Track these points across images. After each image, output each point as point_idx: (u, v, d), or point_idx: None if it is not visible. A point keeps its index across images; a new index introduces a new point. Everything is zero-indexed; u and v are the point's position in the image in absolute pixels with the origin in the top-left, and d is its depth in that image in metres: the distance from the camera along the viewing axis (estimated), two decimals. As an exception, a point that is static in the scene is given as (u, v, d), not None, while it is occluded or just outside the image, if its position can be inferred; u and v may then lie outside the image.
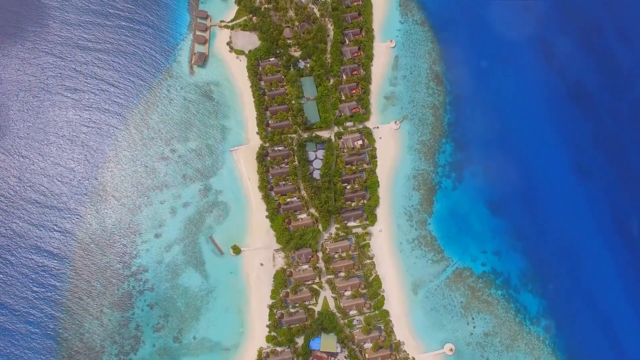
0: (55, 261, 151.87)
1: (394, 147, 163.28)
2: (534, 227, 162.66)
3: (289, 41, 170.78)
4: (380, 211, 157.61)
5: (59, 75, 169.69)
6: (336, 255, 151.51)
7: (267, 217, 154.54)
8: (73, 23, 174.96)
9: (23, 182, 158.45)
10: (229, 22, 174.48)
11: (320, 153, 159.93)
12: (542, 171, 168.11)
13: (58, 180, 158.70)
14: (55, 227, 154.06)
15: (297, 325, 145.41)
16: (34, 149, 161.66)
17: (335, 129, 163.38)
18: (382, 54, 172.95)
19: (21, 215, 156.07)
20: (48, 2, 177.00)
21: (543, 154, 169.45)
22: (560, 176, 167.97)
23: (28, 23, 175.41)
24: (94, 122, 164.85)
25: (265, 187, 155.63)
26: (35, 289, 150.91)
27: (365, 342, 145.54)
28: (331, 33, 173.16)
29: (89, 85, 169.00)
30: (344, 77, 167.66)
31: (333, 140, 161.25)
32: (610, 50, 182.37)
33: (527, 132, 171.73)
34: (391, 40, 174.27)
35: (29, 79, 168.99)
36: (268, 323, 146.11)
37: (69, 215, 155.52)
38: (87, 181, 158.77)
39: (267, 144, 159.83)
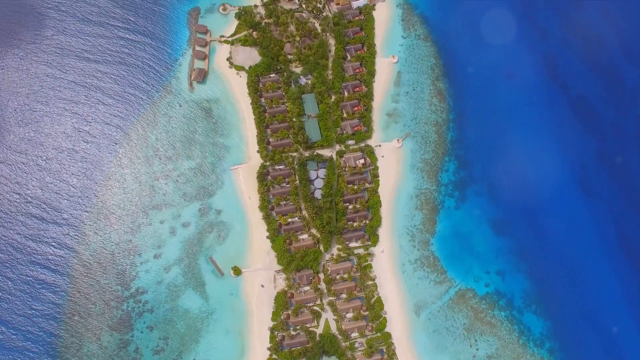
0: (54, 281, 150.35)
1: (396, 165, 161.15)
2: (538, 246, 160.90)
3: (289, 57, 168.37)
4: (382, 231, 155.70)
5: (58, 87, 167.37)
6: (338, 277, 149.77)
7: (268, 237, 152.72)
8: (72, 34, 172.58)
9: (22, 197, 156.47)
10: (228, 37, 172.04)
11: (322, 172, 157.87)
12: (546, 189, 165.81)
13: (57, 196, 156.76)
14: (54, 245, 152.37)
15: (299, 348, 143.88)
16: (33, 164, 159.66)
17: (337, 147, 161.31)
18: (385, 69, 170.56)
19: (20, 231, 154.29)
20: (46, 12, 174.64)
21: (547, 172, 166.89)
22: (564, 194, 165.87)
23: (26, 34, 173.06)
24: (93, 137, 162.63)
25: (266, 207, 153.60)
26: (35, 306, 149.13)
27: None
28: (333, 48, 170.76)
29: (87, 99, 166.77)
30: (346, 94, 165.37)
31: (335, 159, 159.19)
32: (615, 65, 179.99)
33: (530, 150, 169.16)
34: (393, 56, 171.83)
35: (27, 92, 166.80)
36: (269, 346, 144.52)
37: (68, 234, 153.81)
38: (85, 199, 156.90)
39: (267, 163, 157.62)
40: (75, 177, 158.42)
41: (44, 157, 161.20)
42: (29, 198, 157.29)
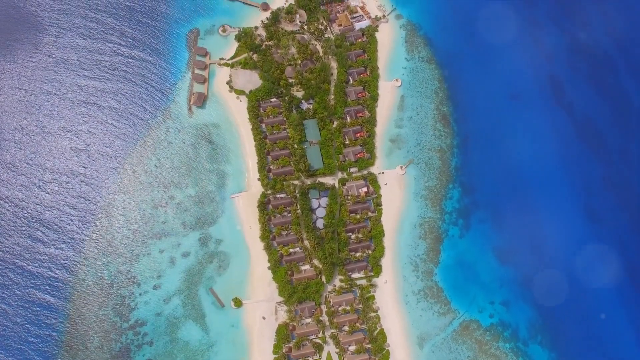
0: (52, 312, 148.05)
1: (399, 193, 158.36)
2: (543, 274, 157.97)
3: (290, 80, 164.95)
4: (385, 261, 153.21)
5: (56, 107, 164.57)
6: (340, 309, 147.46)
7: (269, 268, 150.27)
8: (70, 51, 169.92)
9: (21, 220, 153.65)
10: (228, 59, 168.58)
11: (324, 201, 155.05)
12: (551, 216, 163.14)
13: (56, 220, 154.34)
14: (51, 274, 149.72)
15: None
16: (33, 186, 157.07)
17: (339, 174, 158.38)
18: (388, 93, 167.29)
19: (17, 260, 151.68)
20: (44, 28, 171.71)
21: (553, 198, 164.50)
22: (570, 221, 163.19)
23: (23, 52, 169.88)
24: (92, 160, 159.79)
25: (267, 237, 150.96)
26: (31, 339, 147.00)
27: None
28: (335, 72, 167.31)
29: (86, 121, 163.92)
30: (348, 119, 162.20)
31: (337, 187, 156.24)
32: (622, 87, 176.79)
33: (536, 175, 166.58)
34: (397, 79, 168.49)
35: (25, 112, 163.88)
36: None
37: (66, 262, 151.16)
38: (84, 226, 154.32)
39: (268, 191, 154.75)
40: (75, 199, 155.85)
41: (43, 179, 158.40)
42: (28, 221, 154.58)
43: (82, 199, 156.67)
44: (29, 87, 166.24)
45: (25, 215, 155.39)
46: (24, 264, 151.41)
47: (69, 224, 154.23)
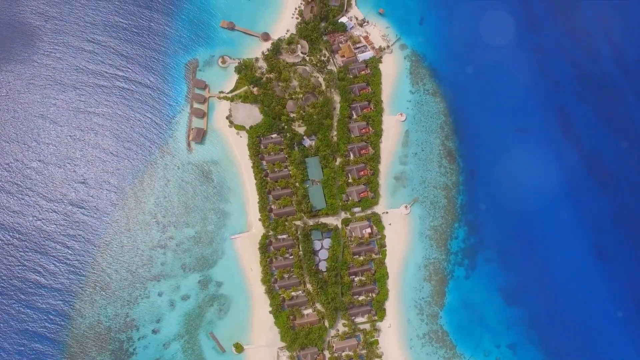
0: (47, 357, 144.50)
1: (404, 234, 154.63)
2: (551, 315, 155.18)
3: (292, 115, 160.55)
4: (390, 305, 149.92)
5: (54, 142, 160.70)
6: (343, 355, 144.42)
7: (270, 312, 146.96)
8: (68, 83, 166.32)
9: (17, 260, 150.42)
10: (228, 93, 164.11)
11: (327, 242, 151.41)
12: (559, 254, 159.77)
13: (53, 260, 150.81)
14: (46, 318, 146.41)
15: None
16: (29, 225, 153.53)
17: (342, 214, 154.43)
18: (392, 128, 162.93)
19: (13, 301, 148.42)
20: (40, 60, 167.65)
21: (560, 236, 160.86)
22: (579, 259, 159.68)
23: (20, 82, 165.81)
24: (90, 197, 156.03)
25: (268, 280, 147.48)
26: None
27: None
28: (337, 106, 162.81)
29: (84, 155, 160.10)
30: (352, 156, 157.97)
31: (340, 228, 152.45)
32: (631, 119, 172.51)
33: (543, 211, 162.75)
34: (401, 114, 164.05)
35: (22, 147, 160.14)
36: None
37: (62, 306, 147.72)
38: (81, 266, 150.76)
39: (270, 233, 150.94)
40: (72, 239, 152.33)
41: (40, 218, 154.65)
42: (25, 261, 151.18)
43: (82, 236, 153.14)
44: (25, 120, 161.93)
45: (21, 253, 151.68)
46: (22, 304, 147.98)
47: (67, 261, 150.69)
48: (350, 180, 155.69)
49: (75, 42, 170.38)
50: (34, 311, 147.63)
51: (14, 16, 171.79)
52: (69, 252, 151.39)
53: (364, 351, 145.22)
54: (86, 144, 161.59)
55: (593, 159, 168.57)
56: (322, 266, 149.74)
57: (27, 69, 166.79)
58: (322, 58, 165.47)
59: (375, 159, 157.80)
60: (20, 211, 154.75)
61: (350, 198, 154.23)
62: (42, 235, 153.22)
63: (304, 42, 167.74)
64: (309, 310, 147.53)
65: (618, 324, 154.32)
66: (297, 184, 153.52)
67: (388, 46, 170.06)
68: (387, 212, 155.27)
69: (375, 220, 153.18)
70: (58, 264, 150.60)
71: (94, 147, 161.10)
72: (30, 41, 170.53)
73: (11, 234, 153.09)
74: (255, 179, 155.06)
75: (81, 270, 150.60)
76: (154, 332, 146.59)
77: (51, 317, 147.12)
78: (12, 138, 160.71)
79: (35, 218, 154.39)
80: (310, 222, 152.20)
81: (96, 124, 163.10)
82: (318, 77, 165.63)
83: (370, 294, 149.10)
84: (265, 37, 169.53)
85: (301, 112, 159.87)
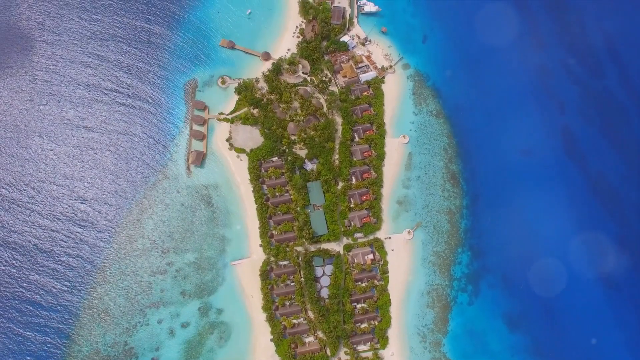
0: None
1: (406, 260, 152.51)
2: (556, 342, 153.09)
3: (293, 137, 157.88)
4: (392, 332, 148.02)
5: (53, 161, 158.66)
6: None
7: (271, 340, 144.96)
8: (68, 100, 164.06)
9: (16, 280, 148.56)
10: (228, 114, 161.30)
11: (329, 269, 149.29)
12: (564, 279, 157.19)
13: (52, 281, 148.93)
14: (44, 353, 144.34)
15: None
16: (29, 245, 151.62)
17: (344, 240, 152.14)
18: (395, 151, 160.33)
19: (14, 318, 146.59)
20: (41, 75, 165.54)
21: (564, 260, 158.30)
22: (584, 285, 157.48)
23: (18, 103, 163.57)
24: (90, 217, 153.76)
25: (269, 307, 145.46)
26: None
27: None
28: (339, 128, 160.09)
29: (83, 177, 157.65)
30: (354, 180, 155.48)
31: (342, 254, 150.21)
32: (636, 139, 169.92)
33: (548, 236, 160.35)
34: (404, 136, 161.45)
35: (20, 167, 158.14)
36: None
37: (58, 339, 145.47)
38: (78, 294, 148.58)
39: (271, 259, 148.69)
40: (72, 258, 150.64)
41: (39, 238, 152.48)
42: (21, 288, 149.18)
43: (79, 260, 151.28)
44: (23, 141, 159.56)
45: (24, 274, 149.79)
46: (21, 325, 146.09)
47: (62, 291, 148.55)
48: (352, 205, 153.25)
49: (73, 57, 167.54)
50: (29, 341, 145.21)
51: (10, 30, 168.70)
52: (66, 277, 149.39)
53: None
54: (85, 163, 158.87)
55: (598, 181, 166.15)
56: (324, 293, 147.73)
57: (25, 86, 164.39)
58: (324, 78, 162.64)
59: (377, 183, 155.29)
60: (19, 230, 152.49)
61: (352, 223, 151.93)
62: (38, 259, 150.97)
63: (305, 62, 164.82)
64: (311, 339, 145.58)
65: (624, 351, 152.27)
66: (298, 209, 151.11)
67: (391, 66, 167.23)
68: (389, 238, 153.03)
69: (378, 246, 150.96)
70: (54, 290, 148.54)
71: (93, 167, 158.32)
72: (28, 55, 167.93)
73: (10, 253, 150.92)
74: (256, 203, 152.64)
75: (78, 297, 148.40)
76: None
77: (48, 345, 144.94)
78: (11, 157, 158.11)
79: (34, 237, 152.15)
80: (312, 248, 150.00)
81: (95, 143, 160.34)
82: (319, 98, 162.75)
83: (373, 322, 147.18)
84: (266, 56, 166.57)
85: (302, 134, 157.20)
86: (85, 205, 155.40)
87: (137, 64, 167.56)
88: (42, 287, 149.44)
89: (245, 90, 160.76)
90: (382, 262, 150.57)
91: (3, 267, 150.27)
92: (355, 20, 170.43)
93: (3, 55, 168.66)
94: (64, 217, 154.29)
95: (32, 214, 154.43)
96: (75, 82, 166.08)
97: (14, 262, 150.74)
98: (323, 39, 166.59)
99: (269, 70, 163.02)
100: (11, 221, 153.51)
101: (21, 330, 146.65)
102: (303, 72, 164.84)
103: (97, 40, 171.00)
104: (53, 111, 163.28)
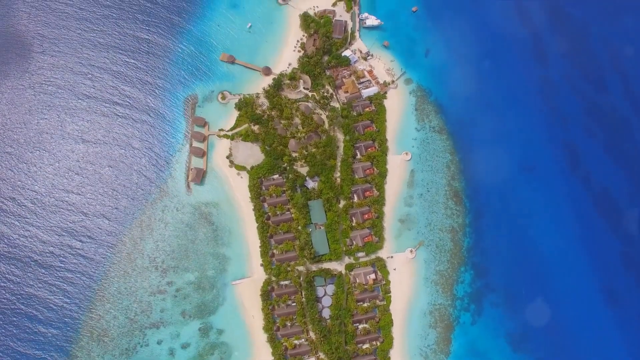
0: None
1: (409, 279, 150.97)
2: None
3: (294, 154, 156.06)
4: (394, 353, 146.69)
5: (52, 174, 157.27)
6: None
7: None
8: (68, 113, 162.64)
9: (14, 296, 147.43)
10: (228, 130, 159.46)
11: (330, 288, 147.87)
12: (568, 297, 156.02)
13: (51, 296, 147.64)
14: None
15: None
16: (28, 259, 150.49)
17: (346, 259, 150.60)
18: (397, 168, 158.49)
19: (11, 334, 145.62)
20: (41, 88, 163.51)
21: (570, 278, 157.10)
22: (588, 303, 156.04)
23: (15, 116, 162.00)
24: (89, 231, 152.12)
25: (270, 328, 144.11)
26: None
27: None
28: (341, 145, 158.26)
29: (82, 192, 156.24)
30: (356, 198, 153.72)
31: (344, 273, 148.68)
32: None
33: (551, 253, 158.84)
34: (407, 152, 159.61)
35: (19, 181, 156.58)
36: None
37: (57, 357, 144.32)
38: (76, 314, 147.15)
39: (272, 279, 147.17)
40: (72, 273, 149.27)
41: (39, 252, 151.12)
42: (22, 297, 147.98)
43: (77, 280, 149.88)
44: (22, 154, 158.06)
45: (23, 290, 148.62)
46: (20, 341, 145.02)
47: (59, 311, 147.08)
48: (354, 224, 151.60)
49: (73, 69, 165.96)
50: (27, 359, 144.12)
51: (9, 41, 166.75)
52: (64, 296, 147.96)
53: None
54: (85, 178, 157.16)
55: (602, 197, 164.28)
56: (326, 313, 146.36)
57: (24, 98, 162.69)
58: (325, 94, 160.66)
59: (380, 201, 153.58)
60: (19, 244, 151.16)
61: (354, 243, 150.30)
62: (38, 274, 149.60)
63: (307, 77, 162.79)
64: (312, 359, 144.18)
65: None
66: (299, 228, 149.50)
67: (393, 81, 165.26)
68: (392, 257, 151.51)
69: (380, 266, 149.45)
70: (54, 307, 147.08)
71: (93, 182, 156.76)
72: (27, 67, 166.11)
73: (9, 268, 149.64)
74: (257, 222, 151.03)
75: (77, 318, 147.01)
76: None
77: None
78: (9, 171, 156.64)
79: (34, 252, 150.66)
80: (314, 267, 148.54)
81: (95, 157, 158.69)
82: (321, 115, 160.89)
83: (375, 342, 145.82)
84: (267, 71, 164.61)
85: (304, 151, 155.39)
86: (83, 220, 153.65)
87: (138, 75, 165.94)
88: (41, 303, 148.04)
89: (246, 106, 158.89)
90: (384, 282, 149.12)
91: (2, 281, 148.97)
92: (357, 34, 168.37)
93: (2, 67, 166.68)
94: (64, 233, 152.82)
95: (32, 229, 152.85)
96: (74, 94, 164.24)
97: (12, 276, 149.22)
98: (324, 53, 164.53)
99: (269, 85, 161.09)
100: (11, 236, 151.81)
101: (20, 348, 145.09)
102: (304, 88, 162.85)
103: (96, 52, 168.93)
104: (52, 124, 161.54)
